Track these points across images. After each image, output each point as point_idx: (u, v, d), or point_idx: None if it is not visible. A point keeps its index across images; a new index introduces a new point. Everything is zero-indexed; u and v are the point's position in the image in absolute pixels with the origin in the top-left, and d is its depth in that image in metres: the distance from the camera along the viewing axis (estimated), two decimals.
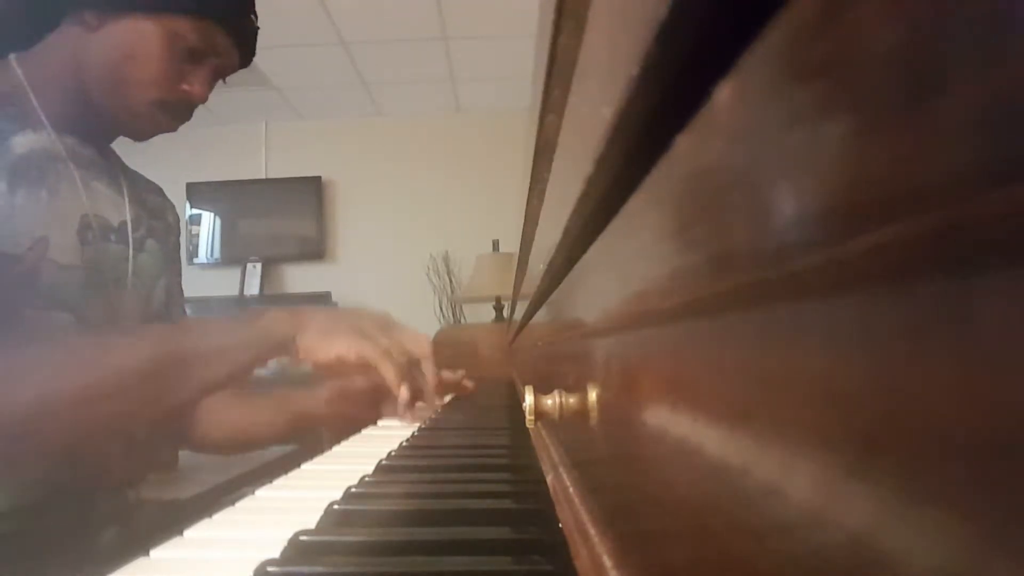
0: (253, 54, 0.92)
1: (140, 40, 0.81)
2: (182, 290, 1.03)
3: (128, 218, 0.88)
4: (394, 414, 0.90)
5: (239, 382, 0.82)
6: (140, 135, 0.88)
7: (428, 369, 0.89)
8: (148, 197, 0.97)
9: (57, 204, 0.77)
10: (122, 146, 0.93)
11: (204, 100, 0.88)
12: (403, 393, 0.84)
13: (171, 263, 0.99)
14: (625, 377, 0.25)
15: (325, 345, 0.81)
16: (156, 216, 0.96)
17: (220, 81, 0.91)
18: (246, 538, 0.39)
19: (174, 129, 0.89)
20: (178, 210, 1.06)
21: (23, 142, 0.76)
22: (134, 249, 0.87)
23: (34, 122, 0.78)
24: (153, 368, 0.72)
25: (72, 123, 0.82)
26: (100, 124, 0.85)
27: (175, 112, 0.86)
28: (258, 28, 0.91)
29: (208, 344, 0.77)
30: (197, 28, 0.83)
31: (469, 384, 1.19)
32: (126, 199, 0.89)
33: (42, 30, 0.82)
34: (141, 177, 0.99)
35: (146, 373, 0.71)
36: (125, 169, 0.94)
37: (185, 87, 0.85)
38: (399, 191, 3.65)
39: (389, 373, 0.82)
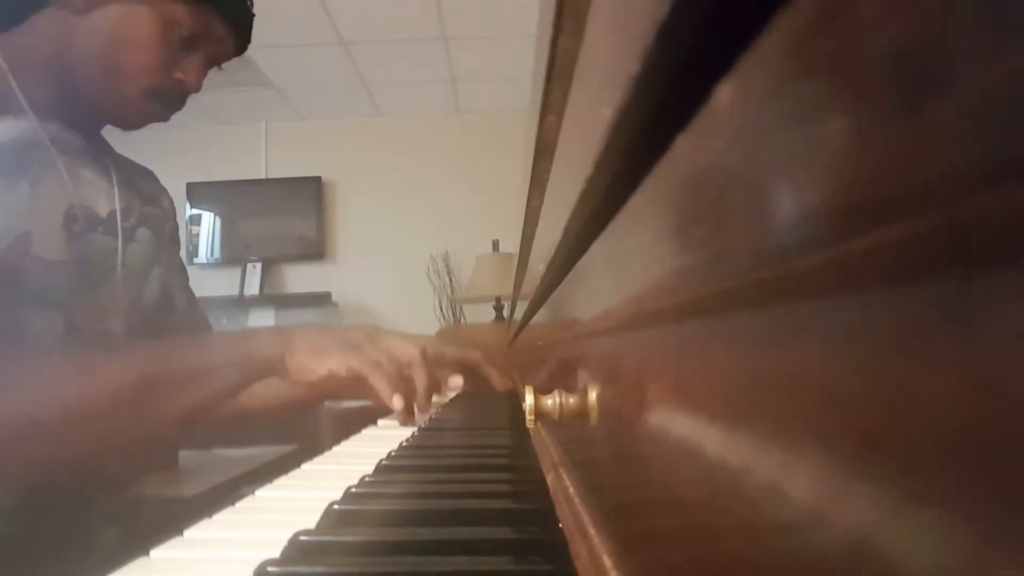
0: (248, 41, 0.89)
1: (133, 26, 0.77)
2: (185, 273, 0.99)
3: (117, 207, 0.83)
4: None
5: (227, 404, 0.80)
6: (130, 124, 0.83)
7: (418, 375, 0.84)
8: (140, 183, 0.92)
9: (41, 195, 0.73)
10: (122, 145, 0.91)
11: (198, 89, 0.84)
12: (396, 403, 0.81)
13: (167, 249, 0.94)
14: (625, 377, 0.25)
15: (316, 362, 0.79)
16: (149, 202, 0.92)
17: (216, 69, 0.87)
18: (246, 538, 0.39)
19: (166, 119, 0.84)
20: (178, 210, 1.02)
21: (2, 129, 0.71)
22: (123, 240, 0.83)
23: (15, 108, 0.73)
24: (137, 389, 0.70)
25: (56, 109, 0.77)
26: (87, 111, 0.81)
27: (167, 101, 0.82)
28: (254, 15, 0.88)
29: (194, 365, 0.75)
30: (193, 14, 0.79)
31: (494, 379, 1.06)
32: (115, 187, 0.84)
33: (24, 11, 0.77)
34: (132, 163, 0.94)
35: (130, 394, 0.69)
36: (114, 155, 0.89)
37: (179, 75, 0.80)
38: (399, 191, 3.66)
39: (380, 384, 0.79)
